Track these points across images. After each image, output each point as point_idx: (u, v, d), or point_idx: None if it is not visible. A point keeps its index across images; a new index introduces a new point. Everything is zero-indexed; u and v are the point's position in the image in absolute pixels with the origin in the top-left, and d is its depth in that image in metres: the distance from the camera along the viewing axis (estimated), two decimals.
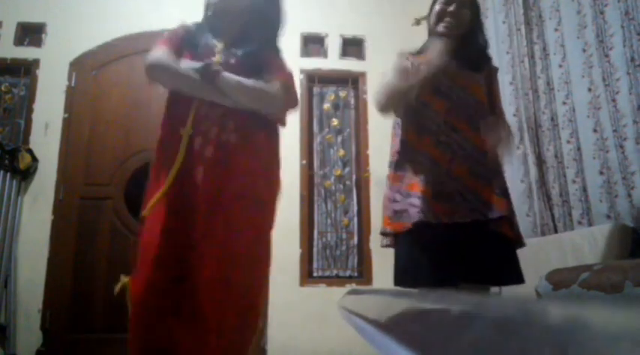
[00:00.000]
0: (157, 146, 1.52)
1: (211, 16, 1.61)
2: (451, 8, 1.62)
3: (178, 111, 1.49)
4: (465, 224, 1.44)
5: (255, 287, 1.47)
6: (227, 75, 1.45)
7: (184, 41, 1.55)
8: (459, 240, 1.44)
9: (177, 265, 1.37)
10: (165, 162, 1.45)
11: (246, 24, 1.59)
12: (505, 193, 1.53)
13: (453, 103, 1.55)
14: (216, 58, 1.51)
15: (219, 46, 1.54)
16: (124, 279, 1.42)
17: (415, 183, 1.48)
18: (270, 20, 1.63)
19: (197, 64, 1.46)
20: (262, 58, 1.56)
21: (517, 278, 1.48)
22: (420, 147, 1.53)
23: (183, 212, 1.41)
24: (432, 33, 1.67)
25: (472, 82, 1.60)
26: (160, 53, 1.48)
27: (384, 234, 1.58)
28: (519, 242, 1.53)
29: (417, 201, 1.45)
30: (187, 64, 1.47)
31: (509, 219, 1.50)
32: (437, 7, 1.65)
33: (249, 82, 1.48)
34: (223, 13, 1.58)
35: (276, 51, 1.63)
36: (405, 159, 1.54)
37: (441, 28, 1.62)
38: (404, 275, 1.48)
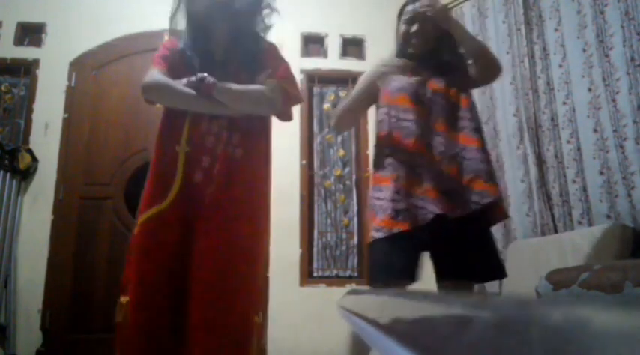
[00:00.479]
0: (152, 164, 1.49)
1: (198, 25, 1.54)
2: (414, 28, 1.62)
3: (174, 128, 1.47)
4: (462, 218, 1.47)
5: (249, 285, 1.46)
6: (222, 85, 1.42)
7: (179, 59, 1.51)
8: (455, 236, 1.48)
9: (175, 280, 1.36)
10: (164, 180, 1.42)
11: (234, 24, 1.54)
12: (494, 178, 1.58)
13: (431, 108, 1.56)
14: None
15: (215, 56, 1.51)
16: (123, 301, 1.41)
17: (411, 183, 1.50)
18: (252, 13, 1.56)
19: (191, 79, 1.43)
20: (257, 59, 1.52)
21: (501, 273, 1.56)
22: (408, 150, 1.54)
23: (184, 226, 1.39)
24: (401, 53, 1.67)
25: (447, 85, 1.60)
26: (155, 73, 1.46)
27: (375, 239, 1.55)
28: (505, 215, 1.63)
29: (419, 202, 1.47)
30: (182, 81, 1.44)
31: (499, 201, 1.57)
32: (401, 28, 1.65)
33: (245, 88, 1.45)
34: (211, 19, 1.53)
35: (266, 45, 1.57)
36: (394, 159, 1.55)
37: (410, 49, 1.65)
38: (396, 272, 1.52)
